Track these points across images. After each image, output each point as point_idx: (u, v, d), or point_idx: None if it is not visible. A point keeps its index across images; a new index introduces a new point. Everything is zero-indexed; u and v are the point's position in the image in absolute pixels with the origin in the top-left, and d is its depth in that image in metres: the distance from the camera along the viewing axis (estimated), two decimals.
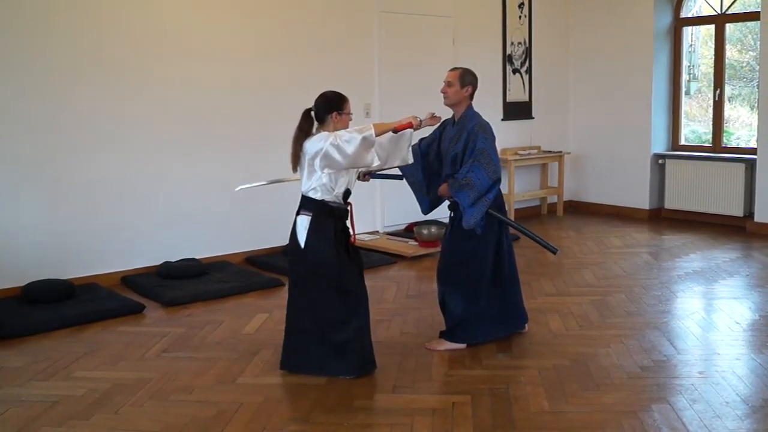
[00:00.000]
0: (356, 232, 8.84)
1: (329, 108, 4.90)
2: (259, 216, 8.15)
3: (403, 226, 9.34)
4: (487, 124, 5.43)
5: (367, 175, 5.56)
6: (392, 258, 8.20)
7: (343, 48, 8.86)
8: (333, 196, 4.88)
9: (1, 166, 6.74)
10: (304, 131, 4.90)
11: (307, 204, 4.91)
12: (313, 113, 4.94)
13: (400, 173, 5.71)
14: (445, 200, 5.60)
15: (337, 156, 4.71)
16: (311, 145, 4.78)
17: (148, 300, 6.72)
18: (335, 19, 8.78)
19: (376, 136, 4.76)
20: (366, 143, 4.70)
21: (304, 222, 4.88)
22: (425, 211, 5.77)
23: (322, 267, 4.86)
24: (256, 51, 8.16)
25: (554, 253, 5.50)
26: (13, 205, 6.82)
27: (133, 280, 7.24)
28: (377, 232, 9.30)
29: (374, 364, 5.01)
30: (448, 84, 5.45)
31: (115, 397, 4.66)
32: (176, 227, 7.72)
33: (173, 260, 7.55)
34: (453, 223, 5.52)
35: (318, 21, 8.61)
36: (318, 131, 4.90)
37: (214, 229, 7.93)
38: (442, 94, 5.52)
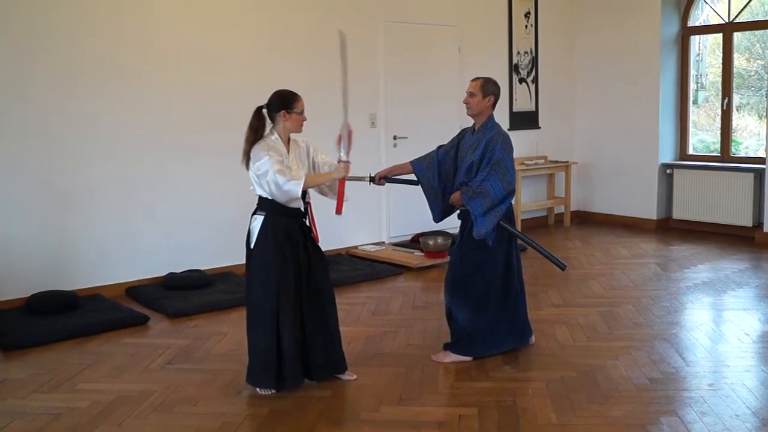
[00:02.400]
0: (362, 243, 8.96)
1: (278, 106, 4.83)
2: None
3: (409, 237, 9.31)
4: (507, 135, 5.40)
5: (382, 179, 5.59)
6: (398, 269, 8.17)
7: (348, 57, 8.81)
8: None
9: (4, 177, 6.74)
10: (253, 129, 4.84)
11: (261, 204, 4.85)
12: (265, 111, 4.88)
13: (416, 179, 5.67)
14: (456, 210, 5.55)
15: (265, 187, 4.70)
16: (254, 157, 4.72)
17: (152, 311, 6.69)
18: (340, 29, 8.74)
19: (305, 189, 4.70)
20: (285, 196, 4.67)
21: (257, 222, 4.82)
22: (437, 219, 5.72)
23: (260, 269, 4.79)
24: (260, 59, 8.15)
25: (563, 269, 5.43)
26: (17, 215, 6.81)
27: (137, 291, 7.22)
28: (383, 242, 9.27)
29: (278, 384, 4.82)
30: (471, 94, 5.41)
31: (118, 409, 4.64)
32: (181, 238, 7.70)
33: (178, 271, 7.53)
34: (463, 233, 5.47)
35: (323, 31, 8.59)
36: (272, 131, 4.85)
37: (218, 239, 7.90)
38: (464, 105, 5.50)
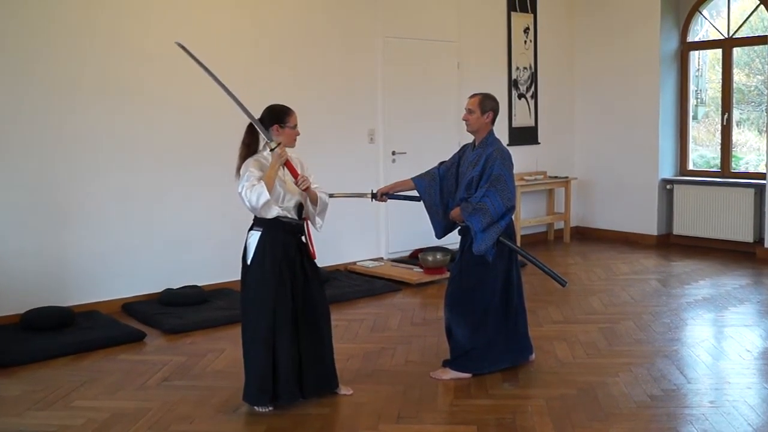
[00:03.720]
0: (360, 259, 8.92)
1: (271, 121, 4.80)
2: None
3: (407, 253, 9.28)
4: (507, 151, 5.39)
5: (384, 195, 5.60)
6: (397, 285, 8.12)
7: (347, 73, 8.83)
8: (282, 210, 4.75)
9: (0, 192, 6.71)
10: (246, 145, 4.82)
11: (257, 219, 4.79)
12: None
13: (417, 195, 5.66)
14: (458, 226, 5.53)
15: (244, 205, 4.68)
16: (241, 174, 4.71)
17: (148, 328, 6.64)
18: (339, 45, 8.76)
19: (268, 188, 4.57)
20: (259, 205, 4.59)
21: (254, 238, 4.76)
22: (439, 236, 5.70)
23: (257, 285, 4.73)
24: (259, 75, 8.13)
25: (563, 285, 5.38)
26: (13, 231, 6.77)
27: (133, 307, 7.17)
28: (382, 258, 9.23)
29: (273, 401, 4.78)
30: (469, 111, 5.41)
31: (114, 426, 4.59)
32: (178, 254, 7.66)
33: (174, 287, 7.49)
34: (463, 249, 5.44)
35: (322, 46, 8.60)
36: (265, 146, 4.80)
37: (215, 255, 7.86)
38: (464, 122, 5.50)
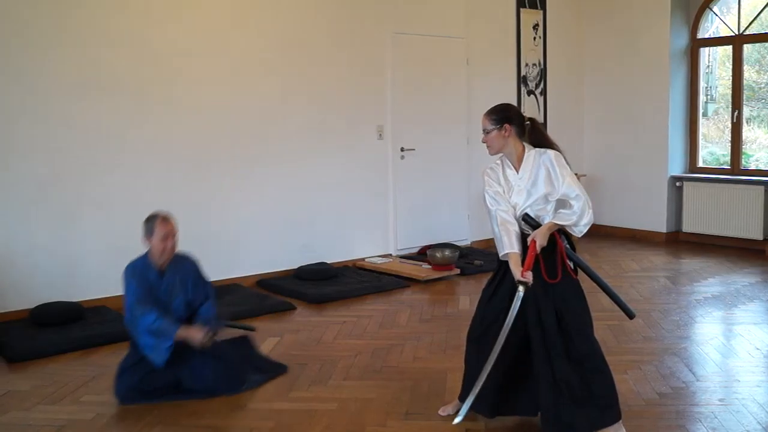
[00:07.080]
0: (369, 255, 8.93)
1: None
2: (271, 239, 8.09)
3: (416, 249, 9.26)
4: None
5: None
6: (405, 281, 8.11)
7: (356, 69, 8.83)
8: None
9: (10, 188, 6.73)
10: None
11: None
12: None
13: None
14: None
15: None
16: (570, 187, 4.57)
17: None
18: (348, 41, 8.75)
19: None
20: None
21: None
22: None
23: None
24: (267, 72, 8.13)
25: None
26: (22, 227, 6.79)
27: None
28: (390, 255, 9.21)
29: None
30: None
31: (123, 421, 4.60)
32: (186, 250, 7.65)
33: None
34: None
35: (331, 43, 8.59)
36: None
37: (225, 251, 7.87)
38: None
